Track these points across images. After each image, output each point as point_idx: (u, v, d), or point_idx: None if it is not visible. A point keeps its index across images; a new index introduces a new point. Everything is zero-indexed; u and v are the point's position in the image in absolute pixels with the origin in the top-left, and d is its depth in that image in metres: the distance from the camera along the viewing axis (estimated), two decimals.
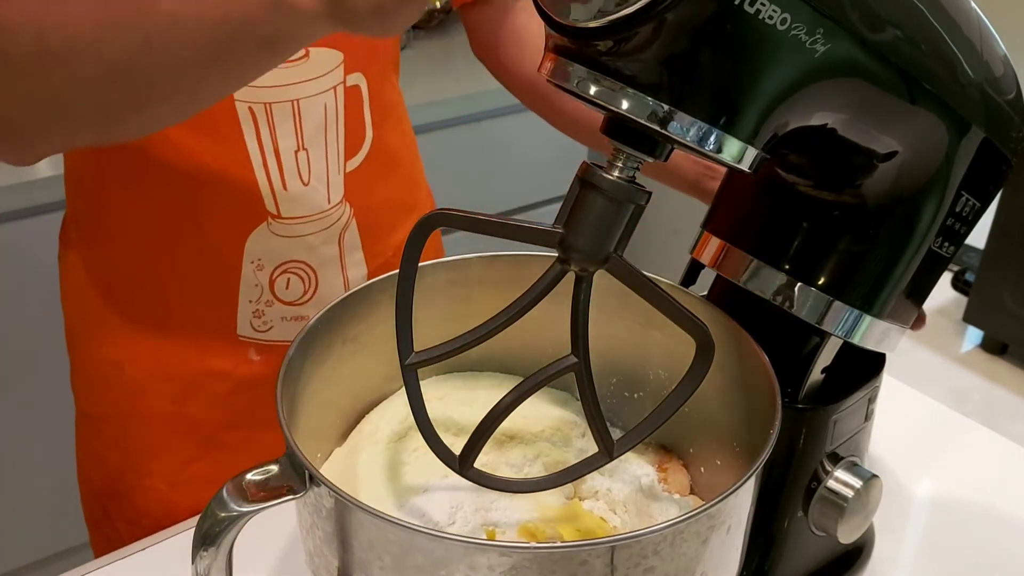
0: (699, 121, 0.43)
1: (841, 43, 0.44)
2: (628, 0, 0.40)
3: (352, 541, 0.48)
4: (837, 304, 0.58)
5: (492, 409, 0.52)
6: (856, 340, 0.59)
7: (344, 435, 0.65)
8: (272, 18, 0.48)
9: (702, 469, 0.65)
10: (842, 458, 0.62)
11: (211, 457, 0.84)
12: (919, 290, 0.60)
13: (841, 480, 0.61)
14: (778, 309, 0.59)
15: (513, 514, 0.60)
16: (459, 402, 0.67)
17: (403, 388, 0.67)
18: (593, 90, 0.44)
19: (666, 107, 0.43)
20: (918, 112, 0.52)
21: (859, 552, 0.70)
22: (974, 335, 1.22)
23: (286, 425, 0.50)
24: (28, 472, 1.52)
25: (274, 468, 0.49)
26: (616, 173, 0.46)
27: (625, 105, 0.43)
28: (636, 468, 0.65)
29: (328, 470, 0.62)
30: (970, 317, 1.20)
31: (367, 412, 0.66)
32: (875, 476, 0.62)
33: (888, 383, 0.65)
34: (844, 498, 0.61)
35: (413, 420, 0.66)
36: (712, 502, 0.47)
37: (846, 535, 0.62)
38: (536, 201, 2.00)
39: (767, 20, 0.41)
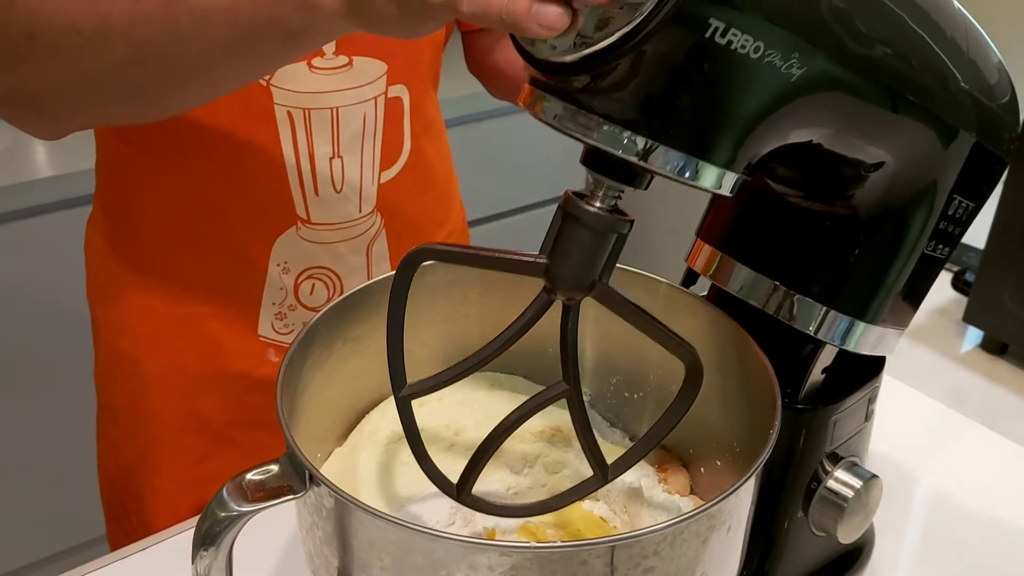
0: (677, 152, 0.44)
1: (817, 63, 0.44)
2: (600, 36, 0.40)
3: (352, 541, 0.48)
4: (830, 313, 0.57)
5: (486, 439, 0.52)
6: (851, 347, 0.59)
7: (344, 435, 0.65)
8: (296, 14, 0.49)
9: (702, 469, 0.65)
10: (842, 458, 0.62)
11: (221, 457, 0.84)
12: (915, 292, 0.60)
13: (841, 480, 0.61)
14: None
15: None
16: (458, 402, 0.67)
17: None
18: (571, 126, 0.44)
19: (643, 141, 0.43)
20: (905, 122, 0.52)
21: (859, 552, 0.70)
22: (974, 335, 1.22)
23: (286, 425, 0.50)
24: (45, 467, 1.52)
25: (274, 468, 0.49)
26: (597, 204, 0.47)
27: (603, 140, 0.44)
28: (636, 468, 0.65)
29: (328, 470, 0.62)
30: (970, 317, 1.20)
31: (367, 412, 0.66)
32: (875, 476, 0.62)
33: (888, 383, 0.65)
34: (844, 498, 0.61)
35: None
36: (712, 502, 0.47)
37: (846, 535, 0.62)
38: (536, 201, 2.00)
39: (739, 50, 0.41)
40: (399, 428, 0.65)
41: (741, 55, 0.41)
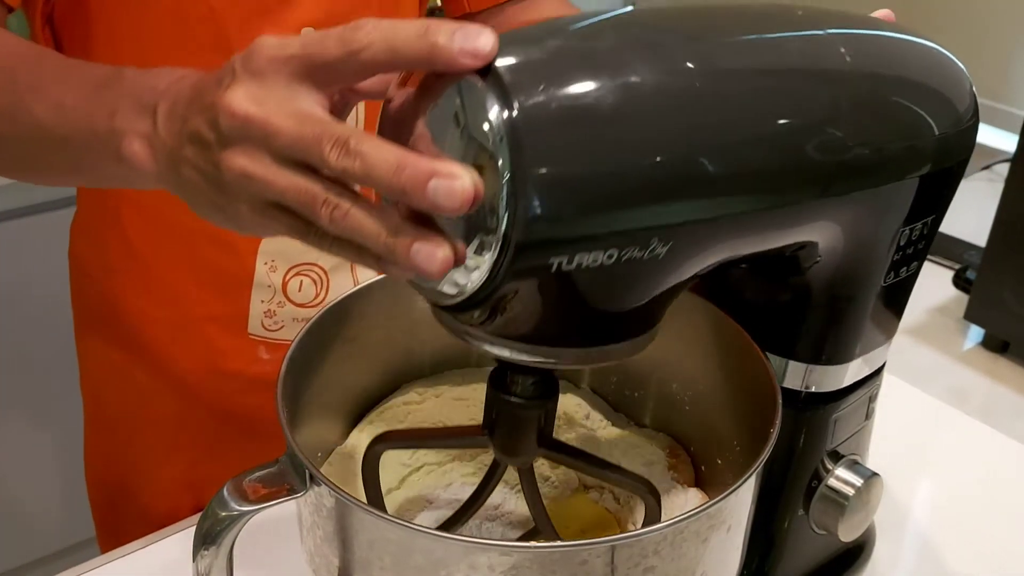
0: (578, 349, 0.45)
1: (687, 230, 0.43)
2: (464, 289, 0.41)
3: (352, 541, 0.48)
4: (803, 366, 0.57)
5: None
6: (834, 388, 0.58)
7: (344, 435, 0.65)
8: (117, 168, 0.49)
9: (703, 468, 0.65)
10: (843, 456, 0.62)
11: (218, 458, 0.84)
12: (893, 309, 0.59)
13: (842, 478, 0.61)
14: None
15: (517, 515, 0.60)
16: (455, 398, 0.67)
17: (402, 389, 0.68)
18: (480, 345, 0.45)
19: (539, 350, 0.45)
20: (836, 200, 0.49)
21: (860, 550, 0.70)
22: (975, 333, 1.22)
23: (286, 425, 0.50)
24: (32, 468, 1.52)
25: (274, 468, 0.49)
26: (518, 390, 0.50)
27: (506, 353, 0.45)
28: (649, 453, 0.65)
29: (328, 470, 0.62)
30: (971, 315, 1.20)
31: (368, 412, 0.66)
32: (876, 474, 0.62)
33: (889, 381, 0.65)
34: (845, 496, 0.61)
35: (413, 420, 0.66)
36: (712, 502, 0.47)
37: (847, 533, 0.62)
38: None
39: (592, 265, 0.41)
40: (399, 428, 0.65)
41: (595, 268, 0.41)
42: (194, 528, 0.49)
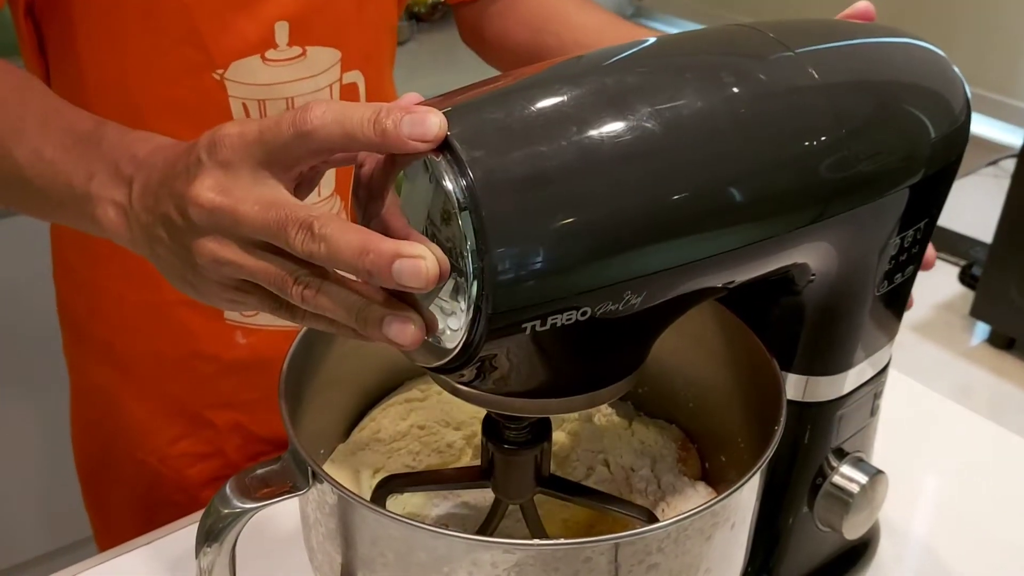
0: (565, 398, 0.46)
1: (661, 279, 0.42)
2: (443, 355, 0.42)
3: (355, 538, 0.48)
4: (801, 378, 0.57)
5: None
6: (836, 396, 0.58)
7: (347, 432, 0.65)
8: (94, 229, 0.51)
9: (707, 465, 0.65)
10: (847, 453, 0.62)
11: (198, 435, 0.85)
12: (893, 309, 0.58)
13: (846, 476, 0.61)
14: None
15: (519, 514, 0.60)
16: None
17: (405, 385, 0.67)
18: (471, 402, 0.46)
19: (528, 402, 0.45)
20: (830, 221, 0.47)
21: (864, 548, 0.70)
22: (981, 330, 1.22)
23: (289, 422, 0.50)
24: (27, 467, 1.52)
25: (277, 465, 0.49)
26: (511, 436, 0.52)
27: (495, 408, 0.47)
28: (660, 446, 0.65)
29: (331, 467, 0.62)
30: (977, 312, 1.19)
31: (370, 409, 0.66)
32: (880, 471, 0.61)
33: (894, 378, 0.65)
34: (850, 494, 0.60)
35: (416, 418, 0.66)
36: (716, 499, 0.47)
37: (851, 531, 0.62)
38: None
39: (567, 323, 0.41)
40: (402, 425, 0.65)
41: (570, 324, 0.41)
42: (196, 525, 0.49)
